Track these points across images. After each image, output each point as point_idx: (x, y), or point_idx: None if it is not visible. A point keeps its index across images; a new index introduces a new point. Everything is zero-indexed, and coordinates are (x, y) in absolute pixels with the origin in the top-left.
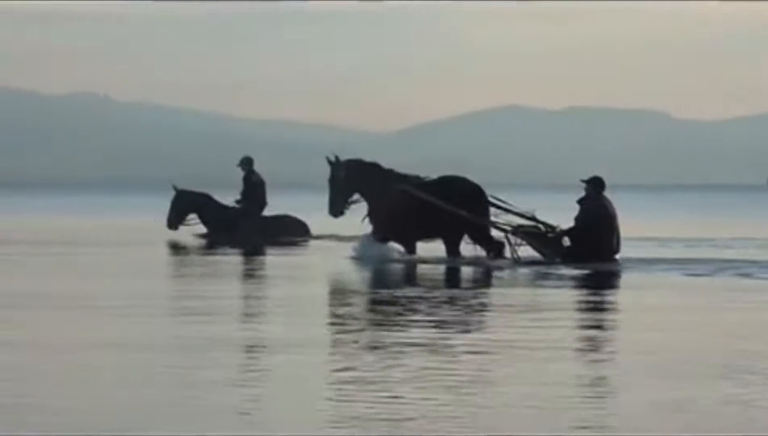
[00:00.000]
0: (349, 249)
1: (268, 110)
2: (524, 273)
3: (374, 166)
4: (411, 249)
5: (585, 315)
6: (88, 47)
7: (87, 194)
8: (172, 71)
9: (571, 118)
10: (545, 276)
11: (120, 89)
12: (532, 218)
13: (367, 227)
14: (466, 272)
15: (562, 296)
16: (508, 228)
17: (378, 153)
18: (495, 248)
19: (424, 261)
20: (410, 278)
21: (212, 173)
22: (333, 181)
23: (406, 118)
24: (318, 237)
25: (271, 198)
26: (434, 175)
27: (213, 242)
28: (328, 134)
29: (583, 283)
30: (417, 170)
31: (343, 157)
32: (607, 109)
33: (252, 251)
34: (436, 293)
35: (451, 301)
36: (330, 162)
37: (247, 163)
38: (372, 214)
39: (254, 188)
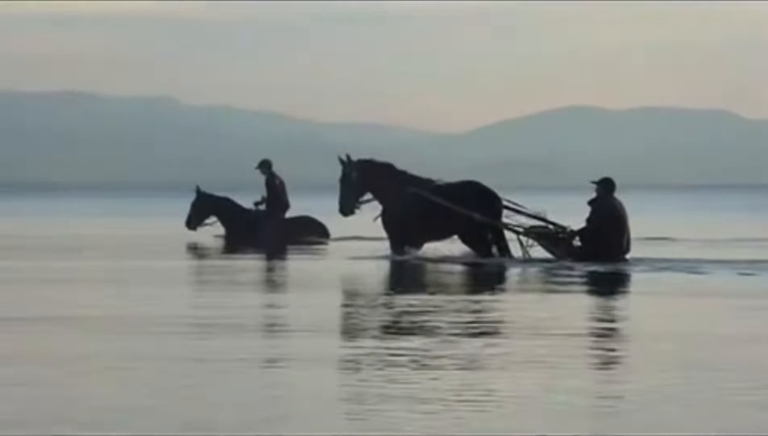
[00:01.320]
0: (368, 250)
1: (350, 114)
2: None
3: (387, 167)
4: (418, 249)
5: None
6: (162, 51)
7: (159, 197)
8: (250, 74)
9: (635, 118)
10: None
11: (194, 93)
12: (543, 219)
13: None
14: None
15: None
16: (520, 229)
17: (449, 153)
18: (505, 247)
19: (440, 261)
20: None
21: (290, 177)
22: (344, 181)
23: (474, 120)
24: (338, 239)
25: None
26: (450, 180)
27: (233, 245)
28: (406, 136)
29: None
30: (485, 171)
31: (351, 159)
32: (674, 109)
33: (274, 254)
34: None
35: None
36: (342, 161)
37: (266, 166)
38: (385, 216)
39: (276, 192)
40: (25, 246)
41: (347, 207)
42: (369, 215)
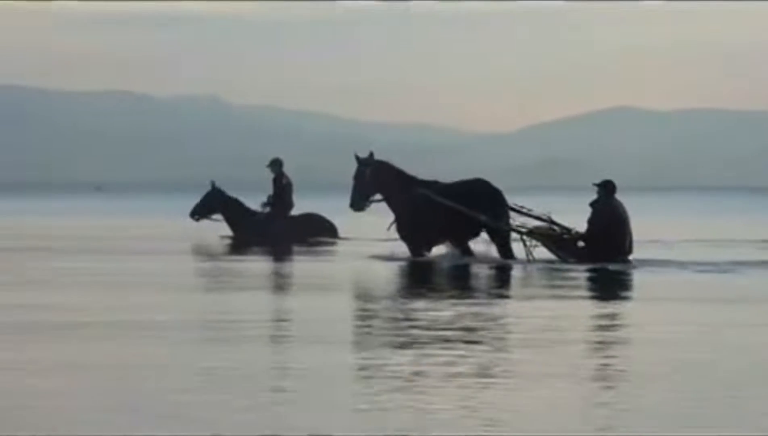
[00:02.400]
0: (378, 249)
1: (395, 113)
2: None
3: (399, 172)
4: (428, 250)
5: None
6: (209, 51)
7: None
8: (295, 74)
9: (682, 119)
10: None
11: (239, 92)
12: (548, 221)
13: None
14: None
15: None
16: (524, 230)
17: (496, 153)
18: (507, 247)
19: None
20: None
21: (334, 177)
22: (358, 178)
23: (521, 120)
24: (346, 238)
25: None
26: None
27: (240, 245)
28: (452, 136)
29: None
30: (531, 171)
31: (374, 157)
32: (718, 111)
33: (282, 255)
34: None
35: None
36: (357, 158)
37: (277, 164)
38: (399, 221)
39: (284, 191)
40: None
41: (357, 203)
42: (377, 215)
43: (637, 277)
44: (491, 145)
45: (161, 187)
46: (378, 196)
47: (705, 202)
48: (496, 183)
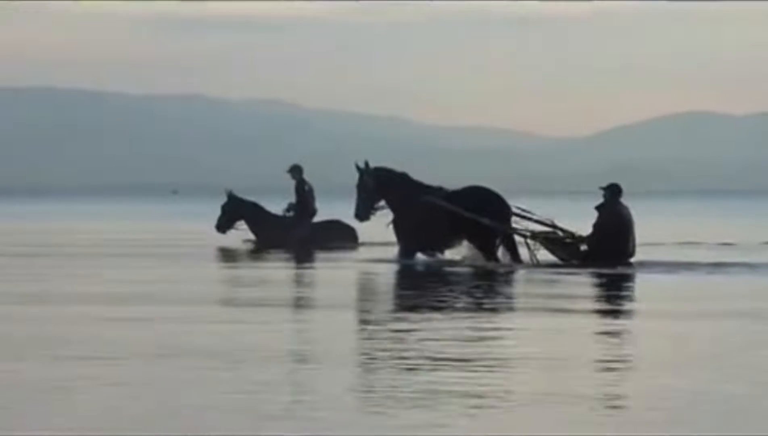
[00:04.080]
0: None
1: (472, 118)
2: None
3: (402, 177)
4: (434, 255)
5: None
6: (286, 54)
7: (270, 200)
8: (372, 78)
9: (759, 124)
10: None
11: (306, 96)
12: (552, 225)
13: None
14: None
15: None
16: (528, 233)
17: (563, 158)
18: (513, 252)
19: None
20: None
21: None
22: (361, 187)
23: (592, 124)
24: (365, 243)
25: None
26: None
27: (262, 250)
28: (513, 140)
29: None
30: (604, 176)
31: (369, 166)
32: None
33: (302, 261)
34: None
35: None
36: (359, 168)
37: (297, 171)
38: (396, 223)
39: (306, 197)
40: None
41: (363, 213)
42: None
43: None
44: (565, 150)
45: (237, 192)
46: (382, 204)
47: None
48: (571, 187)
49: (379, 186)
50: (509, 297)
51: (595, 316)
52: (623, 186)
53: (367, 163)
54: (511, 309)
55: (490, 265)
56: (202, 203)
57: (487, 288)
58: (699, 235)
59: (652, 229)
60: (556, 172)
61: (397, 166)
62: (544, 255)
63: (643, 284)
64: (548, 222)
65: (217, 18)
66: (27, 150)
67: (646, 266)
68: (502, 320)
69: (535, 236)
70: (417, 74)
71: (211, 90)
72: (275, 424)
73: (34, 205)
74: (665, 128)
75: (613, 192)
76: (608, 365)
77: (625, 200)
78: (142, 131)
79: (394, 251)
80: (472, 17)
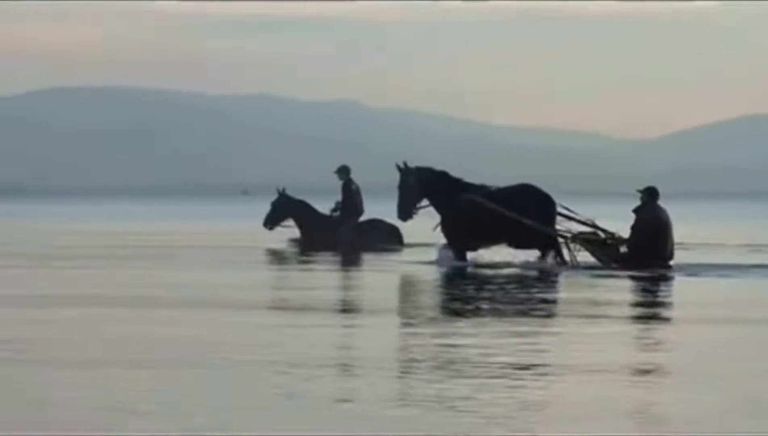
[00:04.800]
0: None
1: (528, 117)
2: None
3: (443, 175)
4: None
5: None
6: (344, 54)
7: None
8: (429, 77)
9: None
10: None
11: (376, 96)
12: (593, 226)
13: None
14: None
15: None
16: (568, 235)
17: (636, 160)
18: (558, 252)
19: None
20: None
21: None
22: (403, 187)
23: (666, 125)
24: (410, 245)
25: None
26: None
27: (309, 249)
28: (585, 141)
29: None
30: (677, 177)
31: (408, 166)
32: None
33: (349, 262)
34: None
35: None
36: (399, 169)
37: (344, 171)
38: (444, 224)
39: (352, 197)
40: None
41: (405, 213)
42: (430, 222)
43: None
44: (636, 151)
45: (303, 191)
46: (425, 202)
47: None
48: (637, 188)
49: (419, 185)
50: (552, 302)
51: (654, 322)
52: (691, 188)
53: (405, 163)
54: (553, 315)
55: (528, 265)
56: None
57: (532, 292)
58: (763, 238)
59: (715, 230)
60: (623, 173)
61: (466, 167)
62: (584, 256)
63: (700, 286)
64: (589, 223)
65: (284, 18)
66: (102, 150)
67: (708, 268)
68: (544, 325)
69: (575, 237)
70: (486, 74)
71: (279, 89)
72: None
73: (112, 206)
74: (741, 129)
75: (650, 195)
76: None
77: (692, 203)
78: (213, 131)
79: (434, 252)
80: (535, 17)
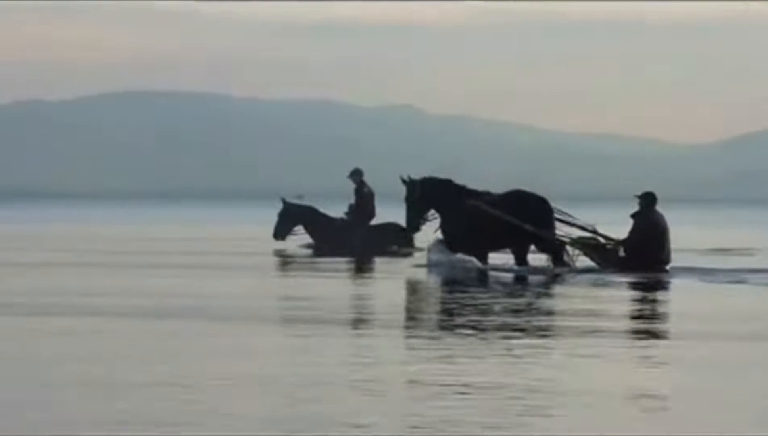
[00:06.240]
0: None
1: (589, 123)
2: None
3: (447, 183)
4: (482, 260)
5: None
6: (402, 59)
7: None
8: (490, 83)
9: None
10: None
11: (432, 102)
12: (593, 231)
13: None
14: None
15: None
16: (567, 240)
17: (697, 165)
18: (558, 256)
19: (495, 269)
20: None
21: (535, 187)
22: (408, 199)
23: (728, 129)
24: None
25: (587, 212)
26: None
27: (320, 253)
28: (649, 147)
29: None
30: (730, 184)
31: (412, 178)
32: None
33: (362, 265)
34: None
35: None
36: (404, 182)
37: (357, 175)
38: (444, 227)
39: (365, 201)
40: None
41: (413, 225)
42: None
43: None
44: (698, 156)
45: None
46: (431, 213)
47: None
48: (694, 194)
49: (424, 195)
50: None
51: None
52: (749, 193)
53: (410, 177)
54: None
55: (524, 269)
56: (327, 208)
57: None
58: None
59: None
60: (682, 178)
61: (517, 171)
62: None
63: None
64: (589, 228)
65: (346, 23)
66: (159, 154)
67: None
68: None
69: (574, 242)
70: (543, 79)
71: (340, 95)
72: None
73: (166, 209)
74: None
75: (648, 200)
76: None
77: (752, 209)
78: (271, 136)
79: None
80: (598, 23)
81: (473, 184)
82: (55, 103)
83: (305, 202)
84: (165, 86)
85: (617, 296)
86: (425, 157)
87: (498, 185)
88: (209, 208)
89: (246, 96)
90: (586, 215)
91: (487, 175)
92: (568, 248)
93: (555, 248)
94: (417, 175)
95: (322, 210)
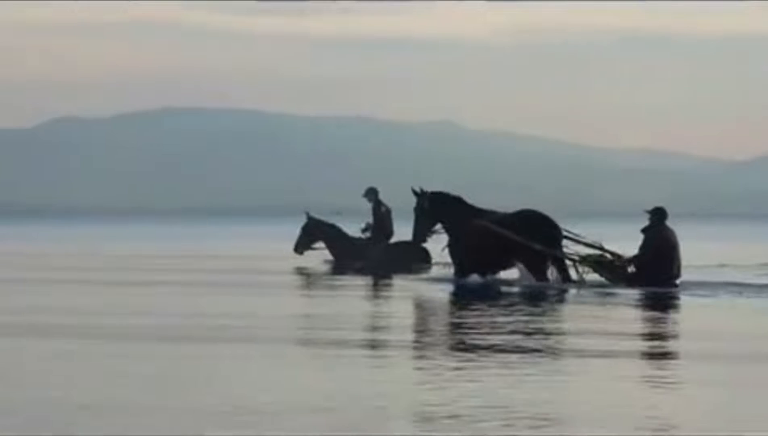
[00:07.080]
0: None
1: (622, 139)
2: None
3: (458, 200)
4: (493, 274)
5: None
6: (443, 75)
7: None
8: (530, 99)
9: None
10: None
11: (475, 117)
12: (600, 248)
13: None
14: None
15: None
16: (576, 257)
17: (728, 181)
18: (566, 273)
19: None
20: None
21: (566, 203)
22: (418, 211)
23: (759, 146)
24: (438, 263)
25: (621, 226)
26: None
27: (339, 271)
28: (681, 162)
29: None
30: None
31: (424, 191)
32: None
33: (380, 284)
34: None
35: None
36: (415, 193)
37: (372, 193)
38: (452, 245)
39: (382, 219)
40: None
41: (419, 235)
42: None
43: None
44: (729, 172)
45: (399, 212)
46: (438, 226)
47: None
48: (729, 210)
49: (433, 209)
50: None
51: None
52: None
53: (421, 188)
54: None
55: (541, 285)
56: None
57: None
58: None
59: None
60: (717, 193)
61: (549, 187)
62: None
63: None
64: (597, 245)
65: (369, 38)
66: (204, 171)
67: None
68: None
69: (583, 259)
70: (578, 95)
71: (380, 111)
72: None
73: (215, 226)
74: None
75: (659, 215)
76: None
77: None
78: (307, 152)
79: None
80: (623, 38)
81: (508, 199)
82: (91, 121)
83: (341, 219)
84: (207, 103)
85: (634, 315)
86: (462, 172)
87: (529, 199)
88: (258, 225)
89: (284, 112)
90: (619, 231)
91: (524, 190)
92: (578, 265)
93: (563, 266)
94: (455, 189)
95: (344, 229)
